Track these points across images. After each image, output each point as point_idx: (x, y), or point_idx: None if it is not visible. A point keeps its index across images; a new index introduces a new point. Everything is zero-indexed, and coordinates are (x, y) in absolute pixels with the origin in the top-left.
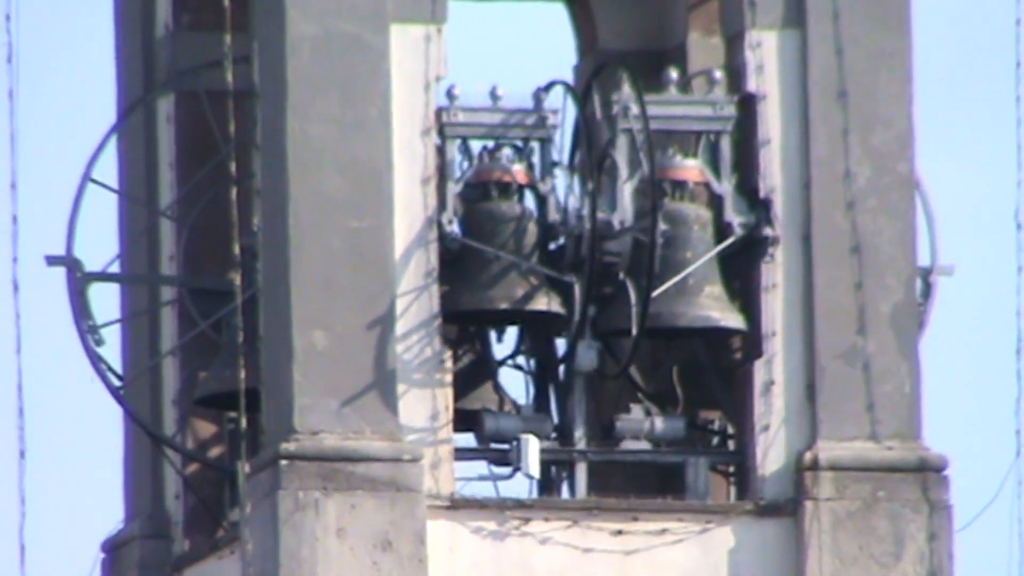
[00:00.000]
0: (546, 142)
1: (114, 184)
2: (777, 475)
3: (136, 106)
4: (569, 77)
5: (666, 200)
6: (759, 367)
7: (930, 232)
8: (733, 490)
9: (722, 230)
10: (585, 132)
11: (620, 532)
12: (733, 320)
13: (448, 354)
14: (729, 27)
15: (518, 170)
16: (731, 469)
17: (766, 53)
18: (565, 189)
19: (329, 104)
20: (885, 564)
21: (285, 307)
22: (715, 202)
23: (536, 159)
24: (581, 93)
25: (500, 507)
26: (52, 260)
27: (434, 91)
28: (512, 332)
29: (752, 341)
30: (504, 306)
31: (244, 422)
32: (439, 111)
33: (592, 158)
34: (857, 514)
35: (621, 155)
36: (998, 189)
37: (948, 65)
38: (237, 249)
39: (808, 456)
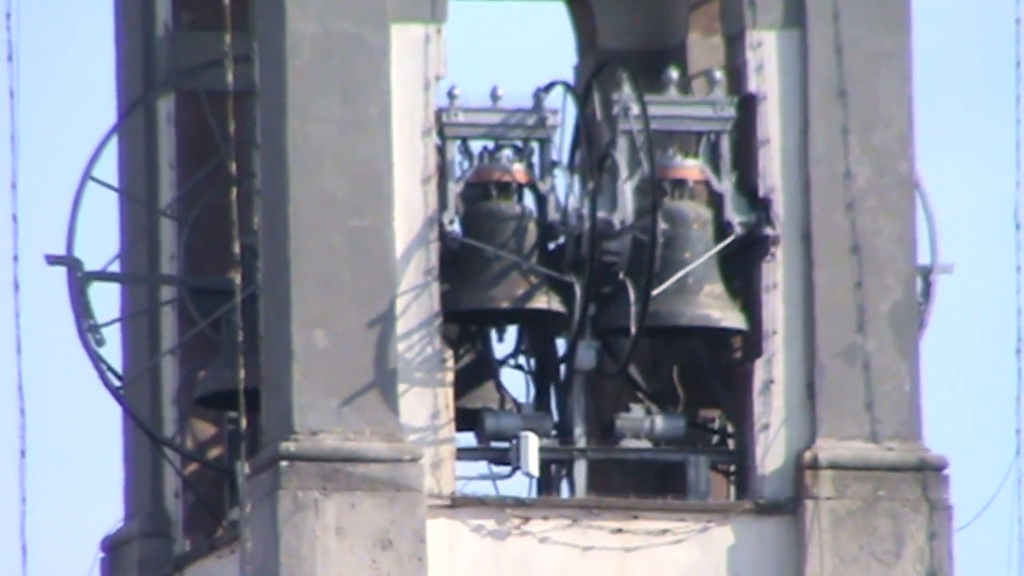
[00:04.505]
0: (546, 142)
1: (114, 183)
2: (777, 474)
3: (136, 105)
4: (569, 77)
5: (666, 199)
6: (759, 366)
7: (930, 231)
8: (733, 489)
9: (722, 229)
10: (585, 132)
11: (620, 531)
12: (733, 319)
13: (449, 353)
14: (729, 27)
15: (518, 170)
16: (731, 468)
17: (766, 53)
18: (565, 189)
19: (329, 104)
20: (885, 563)
21: (285, 306)
22: (715, 201)
23: (536, 159)
24: (581, 93)
25: (500, 506)
26: (52, 259)
27: (434, 91)
28: (512, 331)
29: (752, 340)
30: (504, 305)
31: (244, 422)
32: (439, 111)
33: (592, 158)
34: (857, 513)
35: (621, 155)
36: (998, 189)
37: (948, 65)
38: (237, 248)
39: (808, 455)
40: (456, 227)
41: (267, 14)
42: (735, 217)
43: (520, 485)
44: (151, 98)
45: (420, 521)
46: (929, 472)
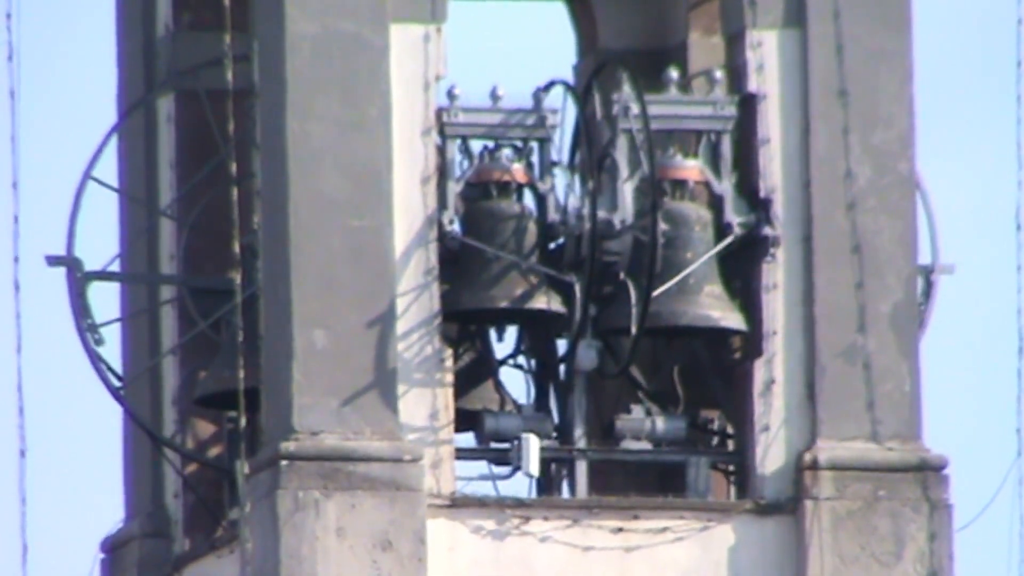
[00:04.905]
0: (546, 141)
1: (114, 183)
2: (777, 474)
3: (136, 105)
4: (569, 77)
5: (666, 200)
6: (759, 367)
7: (930, 231)
8: (733, 489)
9: (722, 230)
10: (585, 132)
11: (620, 530)
12: (733, 320)
13: (448, 353)
14: (729, 27)
15: (518, 169)
16: (731, 468)
17: (766, 53)
18: (565, 188)
19: (329, 104)
20: (885, 563)
21: (285, 306)
22: (715, 202)
23: (536, 158)
24: (581, 93)
25: (500, 506)
26: (52, 260)
27: (434, 91)
28: (512, 331)
29: (752, 341)
30: (504, 305)
31: (244, 422)
32: (439, 111)
33: (592, 157)
34: (857, 513)
35: (621, 155)
36: (998, 189)
37: (948, 65)
38: (237, 248)
39: (808, 455)
40: (456, 227)
41: (267, 14)
42: (735, 217)
43: (520, 485)
44: (151, 98)
45: (420, 521)
46: (929, 472)
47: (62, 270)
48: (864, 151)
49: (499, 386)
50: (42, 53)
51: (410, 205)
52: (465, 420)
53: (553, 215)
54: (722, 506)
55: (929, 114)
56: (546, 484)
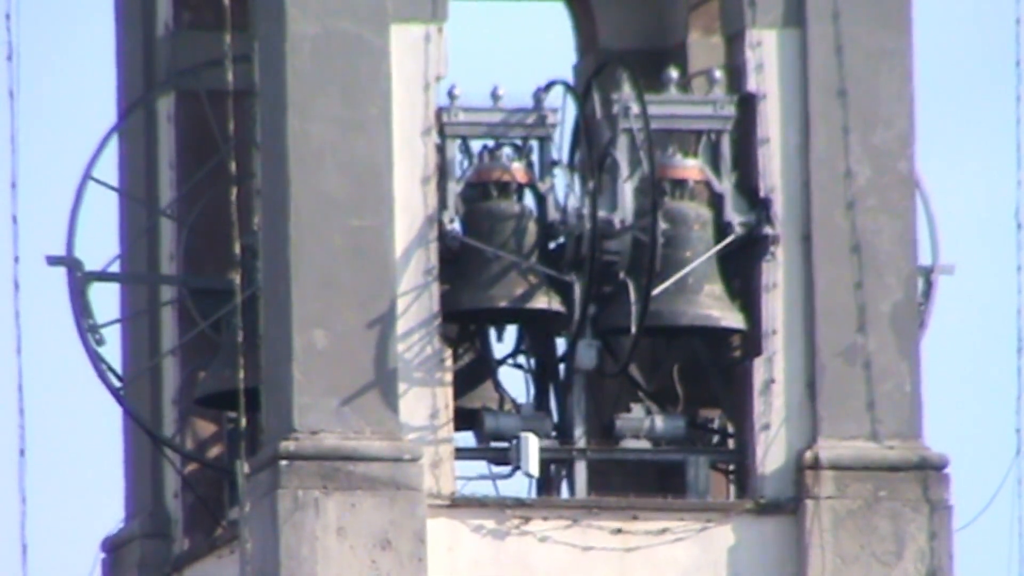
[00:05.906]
0: (546, 141)
1: (114, 183)
2: (777, 474)
3: (136, 105)
4: (569, 77)
5: (666, 199)
6: (759, 366)
7: (930, 231)
8: (733, 489)
9: (722, 229)
10: (585, 131)
11: (620, 531)
12: (733, 319)
13: (448, 353)
14: (729, 26)
15: (518, 169)
16: (731, 468)
17: (766, 52)
18: (565, 188)
19: (329, 103)
20: (886, 563)
21: (285, 306)
22: (715, 201)
23: (536, 158)
24: (581, 92)
25: (500, 506)
26: (53, 260)
27: (434, 91)
28: (512, 331)
29: (752, 340)
30: (504, 305)
31: (244, 422)
32: (439, 111)
33: (592, 157)
34: (858, 513)
35: (621, 154)
36: (998, 189)
37: (948, 65)
38: (237, 248)
39: (808, 455)
40: (456, 227)
41: (267, 14)
42: (735, 217)
43: (520, 485)
44: (151, 98)
45: (420, 521)
46: (929, 471)
47: (62, 270)
48: (864, 151)
49: (498, 386)
50: (42, 53)
51: (410, 205)
52: (465, 419)
53: (553, 215)
54: (722, 506)
55: (929, 114)
56: (546, 484)
